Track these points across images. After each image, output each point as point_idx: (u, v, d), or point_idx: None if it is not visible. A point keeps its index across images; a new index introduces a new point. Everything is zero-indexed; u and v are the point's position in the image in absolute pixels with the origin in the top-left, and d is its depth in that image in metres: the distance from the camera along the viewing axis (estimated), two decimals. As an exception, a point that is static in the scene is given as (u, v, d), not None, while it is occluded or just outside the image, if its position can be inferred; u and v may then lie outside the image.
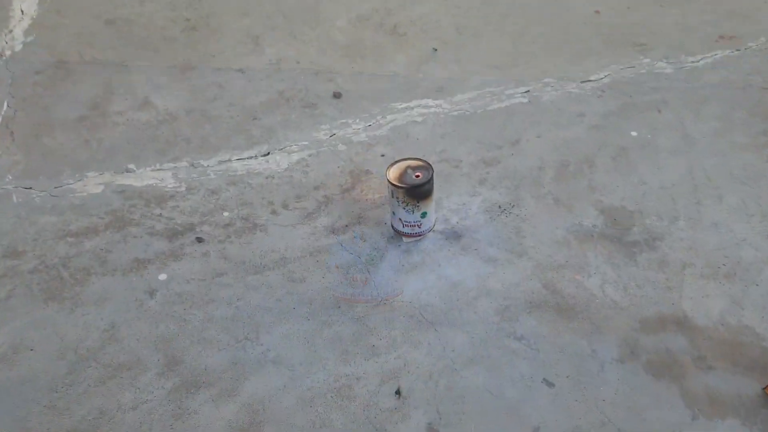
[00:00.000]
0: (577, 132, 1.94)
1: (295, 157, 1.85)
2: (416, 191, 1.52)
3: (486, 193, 1.74)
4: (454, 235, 1.65)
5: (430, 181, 1.53)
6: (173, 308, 1.47)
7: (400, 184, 1.51)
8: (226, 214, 1.69)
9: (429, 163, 1.56)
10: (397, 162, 1.57)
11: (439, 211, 1.65)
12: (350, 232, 1.66)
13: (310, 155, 1.85)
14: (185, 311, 1.46)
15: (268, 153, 1.86)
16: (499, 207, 1.71)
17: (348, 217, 1.69)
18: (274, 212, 1.69)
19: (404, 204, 1.54)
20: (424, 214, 1.57)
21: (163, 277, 1.53)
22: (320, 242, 1.62)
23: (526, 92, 2.06)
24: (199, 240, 1.59)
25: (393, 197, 1.54)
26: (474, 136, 1.91)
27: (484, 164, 1.83)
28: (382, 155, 1.83)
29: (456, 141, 1.90)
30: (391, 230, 1.64)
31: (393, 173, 1.54)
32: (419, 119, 1.97)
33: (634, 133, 1.93)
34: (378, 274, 1.54)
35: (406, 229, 1.60)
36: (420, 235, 1.62)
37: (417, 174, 1.54)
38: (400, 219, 1.58)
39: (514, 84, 2.09)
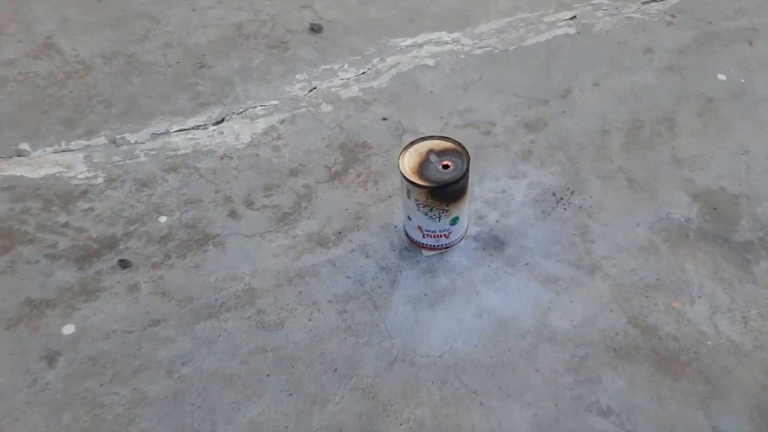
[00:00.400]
0: (645, 76, 1.41)
1: (260, 125, 1.31)
2: (446, 192, 1.00)
3: (533, 174, 1.23)
4: (494, 242, 1.14)
5: (465, 175, 1.01)
6: (84, 385, 0.97)
7: (421, 182, 0.99)
8: (163, 219, 1.16)
9: (462, 146, 1.04)
10: (414, 144, 1.04)
11: (470, 203, 1.13)
12: (346, 242, 1.14)
13: (282, 121, 1.31)
14: (102, 389, 0.96)
15: (222, 120, 1.31)
16: (554, 195, 1.20)
17: (341, 220, 1.18)
18: (233, 214, 1.17)
19: (427, 208, 1.02)
20: (455, 221, 1.06)
21: (69, 329, 1.02)
22: (303, 261, 1.11)
23: (572, 18, 1.51)
24: (124, 265, 1.07)
25: (410, 198, 1.03)
26: (507, 85, 1.38)
27: (526, 129, 1.30)
28: (384, 119, 1.29)
29: (484, 94, 1.36)
30: (405, 238, 1.13)
31: (409, 162, 1.02)
32: (431, 62, 1.42)
33: (721, 77, 1.41)
34: (389, 310, 1.05)
35: (428, 240, 1.09)
36: (447, 247, 1.11)
37: (445, 162, 1.02)
38: (419, 227, 1.07)
39: (555, 6, 1.53)
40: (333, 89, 1.35)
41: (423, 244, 1.11)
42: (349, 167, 1.25)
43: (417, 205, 1.04)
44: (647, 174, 1.25)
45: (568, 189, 1.22)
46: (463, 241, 1.14)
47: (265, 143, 1.29)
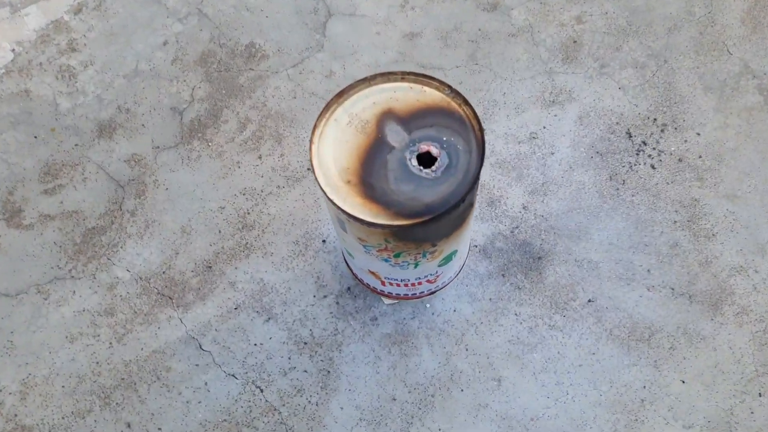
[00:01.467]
0: None
1: (32, 22, 0.64)
2: (429, 229, 0.40)
3: (586, 91, 0.62)
4: (521, 257, 0.57)
5: (473, 187, 0.40)
6: None
7: (367, 211, 0.38)
8: None
9: (463, 104, 0.41)
10: (345, 96, 0.42)
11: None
12: (221, 289, 0.56)
13: (77, 10, 0.64)
14: None
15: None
16: (629, 135, 0.60)
17: (207, 236, 0.57)
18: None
19: (387, 253, 0.42)
20: (447, 259, 0.47)
21: None
22: (125, 348, 0.52)
23: None
24: None
25: (347, 232, 0.42)
26: None
27: None
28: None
29: None
30: (345, 269, 0.55)
31: (336, 151, 0.40)
32: None
33: None
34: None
35: (394, 289, 0.50)
36: (432, 293, 0.53)
37: (424, 149, 0.40)
38: (373, 272, 0.48)
39: None
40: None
41: (383, 292, 0.53)
42: (222, 107, 0.61)
43: (365, 247, 0.44)
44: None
45: (655, 120, 0.62)
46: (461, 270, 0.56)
47: (44, 64, 0.63)
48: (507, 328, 0.56)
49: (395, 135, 0.44)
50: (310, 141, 0.43)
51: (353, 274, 0.55)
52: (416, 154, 0.43)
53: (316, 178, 0.42)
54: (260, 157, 0.60)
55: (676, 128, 0.62)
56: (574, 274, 0.58)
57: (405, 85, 0.45)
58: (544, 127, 0.62)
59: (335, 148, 0.43)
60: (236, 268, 0.57)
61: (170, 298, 0.56)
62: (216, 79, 0.63)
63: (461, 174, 0.42)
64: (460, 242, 0.48)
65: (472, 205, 0.45)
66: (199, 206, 0.59)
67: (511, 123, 0.63)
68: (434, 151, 0.43)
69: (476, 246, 0.58)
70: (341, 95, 0.45)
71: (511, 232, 0.59)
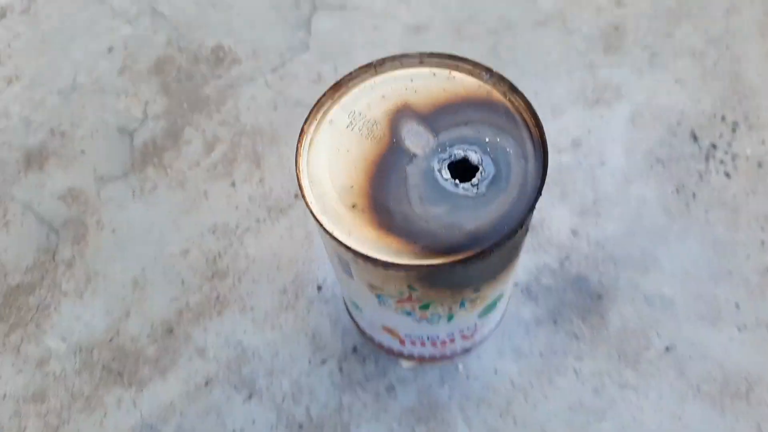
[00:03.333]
0: None
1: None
2: (470, 269, 0.27)
3: (637, 86, 0.49)
4: (577, 296, 0.44)
5: (532, 208, 0.27)
6: None
7: (381, 248, 0.25)
8: None
9: (510, 91, 0.28)
10: (344, 88, 0.29)
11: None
12: (186, 361, 0.42)
13: (2, 12, 0.51)
14: None
15: None
16: (694, 137, 0.47)
17: (169, 290, 0.44)
18: None
19: (412, 305, 0.29)
20: (490, 308, 0.33)
21: None
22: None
23: None
24: None
25: (352, 278, 0.29)
26: None
27: None
28: None
29: None
30: (348, 321, 0.41)
31: (332, 163, 0.27)
32: None
33: None
34: None
35: (417, 349, 0.37)
36: (467, 351, 0.39)
37: (459, 155, 0.26)
38: (388, 329, 0.34)
39: None
40: None
41: (401, 353, 0.39)
42: (184, 124, 0.48)
43: (380, 298, 0.31)
44: None
45: (723, 118, 0.50)
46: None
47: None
48: (565, 391, 0.43)
49: (416, 138, 0.31)
50: (296, 152, 0.30)
51: (360, 330, 0.41)
52: (448, 162, 0.30)
53: (306, 204, 0.29)
54: (233, 184, 0.47)
55: (749, 126, 0.50)
56: (645, 315, 0.45)
57: (425, 70, 0.33)
58: (589, 132, 0.50)
59: (332, 161, 0.31)
60: (206, 329, 0.43)
61: (120, 373, 0.42)
62: (175, 90, 0.50)
63: (515, 188, 0.30)
64: (507, 283, 0.35)
65: (527, 231, 0.32)
66: (156, 251, 0.45)
67: (548, 128, 0.50)
68: (474, 157, 0.30)
69: (517, 284, 0.45)
70: (337, 88, 0.32)
71: (560, 264, 0.46)
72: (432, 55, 0.33)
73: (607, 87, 0.51)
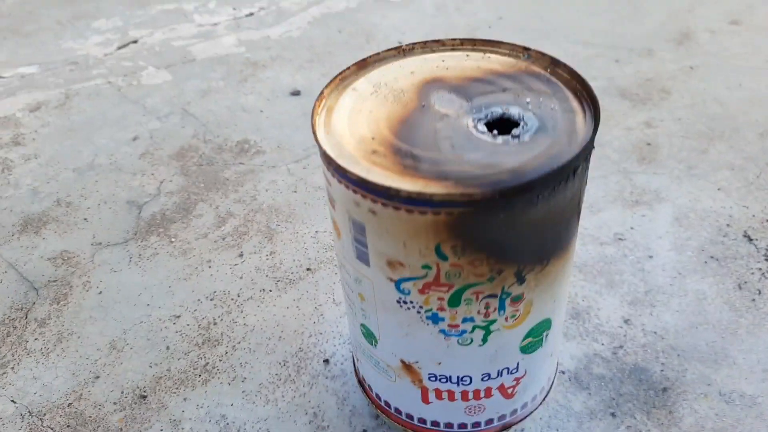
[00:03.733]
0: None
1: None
2: (522, 213, 0.21)
3: (675, 189, 0.46)
4: (636, 391, 0.36)
5: (586, 152, 0.24)
6: None
7: (406, 184, 0.21)
8: None
9: (553, 63, 0.25)
10: (367, 67, 0.25)
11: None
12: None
13: (35, 107, 0.51)
14: None
15: None
16: (748, 237, 0.42)
17: (148, 368, 0.37)
18: None
19: (445, 294, 0.22)
20: (535, 335, 0.26)
21: None
22: None
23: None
24: None
25: (374, 253, 0.23)
26: (562, 25, 0.63)
27: (626, 100, 0.54)
28: (295, 93, 0.51)
29: (512, 40, 0.61)
30: (361, 396, 0.33)
31: (351, 120, 0.23)
32: (390, -8, 0.67)
33: None
34: None
35: (443, 407, 0.28)
36: (500, 429, 0.30)
37: (501, 113, 0.22)
38: (410, 367, 0.26)
39: None
40: (177, 42, 0.57)
41: (423, 420, 0.31)
42: (198, 200, 0.45)
43: (399, 287, 0.25)
44: None
45: (776, 223, 0.45)
46: (544, 397, 0.34)
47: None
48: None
49: (447, 103, 0.28)
50: (312, 113, 0.27)
51: (372, 399, 0.33)
52: (485, 121, 0.26)
53: (319, 145, 0.25)
54: (241, 255, 0.43)
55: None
56: (724, 413, 0.36)
57: (459, 53, 0.31)
58: (632, 228, 0.46)
59: (353, 119, 0.27)
60: (185, 399, 0.36)
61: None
62: (194, 172, 0.48)
63: (564, 135, 0.25)
64: (557, 292, 0.29)
65: (581, 186, 0.27)
66: (143, 314, 0.39)
67: (587, 223, 0.46)
68: (514, 111, 0.27)
69: (564, 372, 0.38)
70: (363, 65, 0.30)
71: (613, 353, 0.39)
72: (468, 41, 0.31)
73: (645, 191, 0.48)
